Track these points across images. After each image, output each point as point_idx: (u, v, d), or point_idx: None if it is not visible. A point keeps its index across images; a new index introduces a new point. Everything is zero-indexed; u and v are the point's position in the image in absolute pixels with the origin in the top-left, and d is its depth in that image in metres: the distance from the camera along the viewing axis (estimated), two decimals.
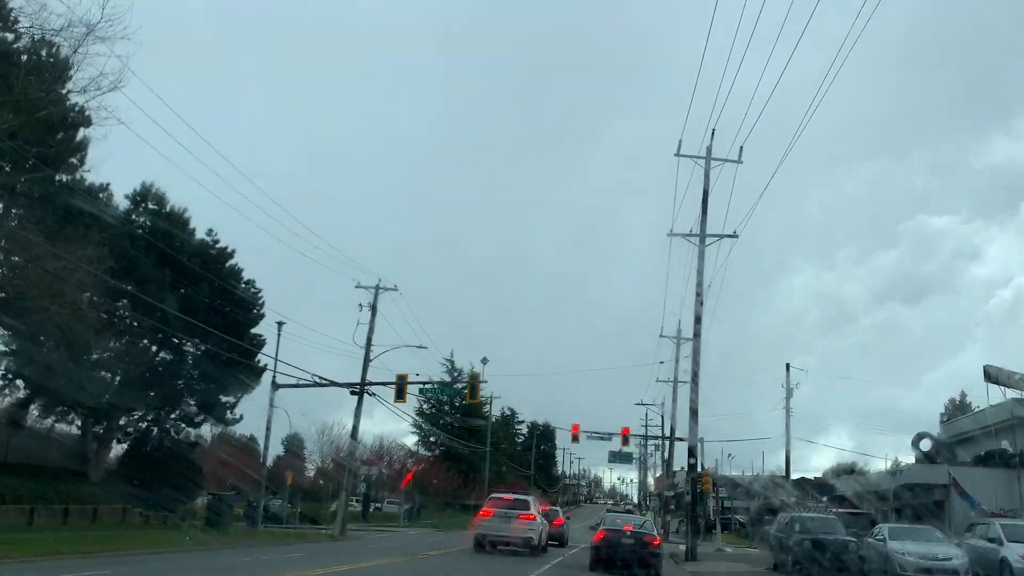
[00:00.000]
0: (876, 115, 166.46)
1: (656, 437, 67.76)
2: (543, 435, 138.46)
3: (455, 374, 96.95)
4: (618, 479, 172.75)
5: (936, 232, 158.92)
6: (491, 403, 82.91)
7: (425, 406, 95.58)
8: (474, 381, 35.58)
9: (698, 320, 30.44)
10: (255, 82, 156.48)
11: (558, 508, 38.60)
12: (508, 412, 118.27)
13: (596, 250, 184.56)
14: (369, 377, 36.90)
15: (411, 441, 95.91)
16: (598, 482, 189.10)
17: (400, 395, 35.92)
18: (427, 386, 34.80)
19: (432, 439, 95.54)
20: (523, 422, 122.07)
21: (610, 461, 77.63)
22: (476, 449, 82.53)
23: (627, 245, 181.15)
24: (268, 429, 36.72)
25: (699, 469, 33.17)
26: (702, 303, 30.23)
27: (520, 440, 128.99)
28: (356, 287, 37.44)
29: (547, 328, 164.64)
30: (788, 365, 51.11)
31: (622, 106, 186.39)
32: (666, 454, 69.95)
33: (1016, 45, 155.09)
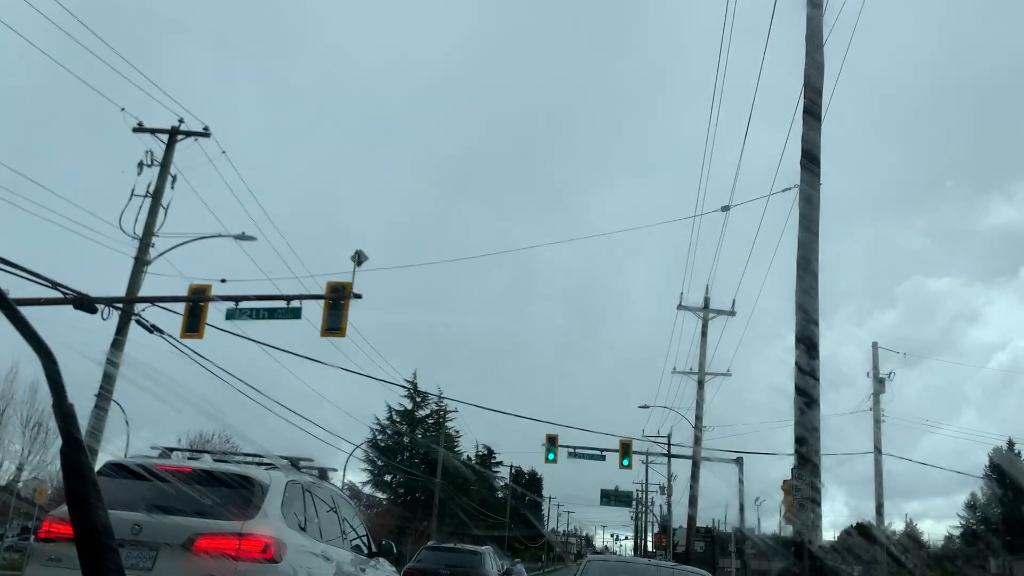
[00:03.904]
0: (876, 177, 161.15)
1: (661, 455, 48.92)
2: (528, 483, 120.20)
3: (417, 399, 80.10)
4: (611, 536, 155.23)
5: (935, 294, 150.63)
6: (444, 412, 65.95)
7: (379, 437, 78.35)
8: (337, 296, 18.02)
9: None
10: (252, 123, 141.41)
11: (486, 549, 20.25)
12: (484, 451, 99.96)
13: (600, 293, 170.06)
14: (149, 291, 19.56)
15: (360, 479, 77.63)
16: (589, 540, 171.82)
17: (193, 325, 18.42)
18: (241, 306, 16.60)
19: (388, 477, 78.29)
20: (500, 462, 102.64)
21: (602, 502, 59.06)
22: (431, 485, 64.88)
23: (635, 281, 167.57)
24: None
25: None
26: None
27: (500, 485, 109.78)
28: (135, 130, 20.22)
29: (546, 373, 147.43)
30: (875, 344, 33.65)
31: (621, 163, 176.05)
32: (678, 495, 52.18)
33: (1016, 109, 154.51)
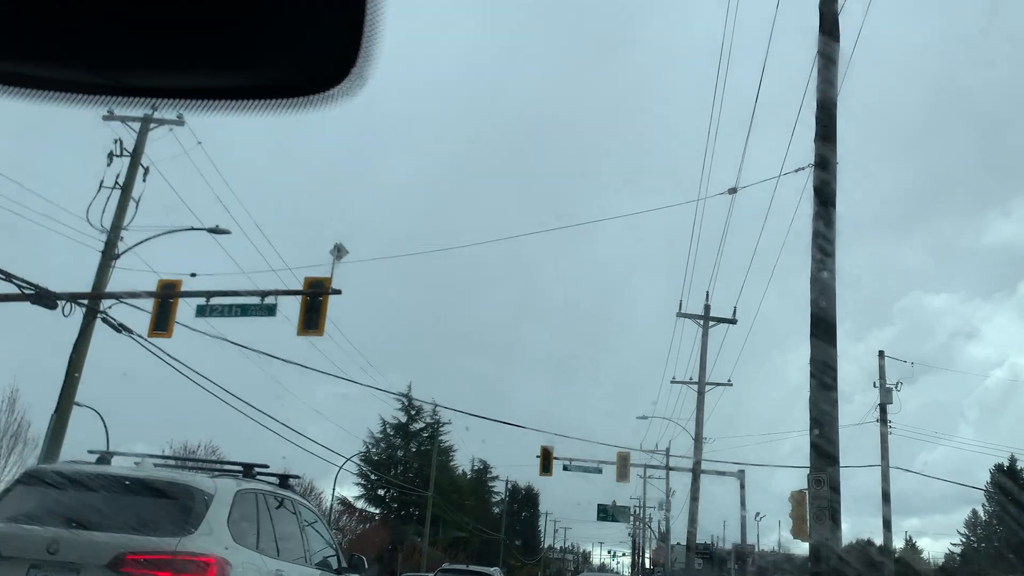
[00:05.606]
0: (875, 193, 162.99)
1: (659, 467, 47.52)
2: (525, 499, 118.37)
3: (412, 412, 78.72)
4: (608, 552, 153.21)
5: (934, 310, 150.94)
6: (439, 425, 64.78)
7: (373, 450, 76.88)
8: (315, 292, 16.90)
9: None
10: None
11: (495, 571, 19.51)
12: (479, 466, 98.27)
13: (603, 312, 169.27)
14: (119, 288, 18.41)
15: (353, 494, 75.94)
16: (586, 557, 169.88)
17: (162, 323, 17.28)
18: (212, 302, 15.41)
19: (381, 492, 76.78)
20: (496, 477, 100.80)
21: (599, 518, 57.63)
22: (425, 499, 63.45)
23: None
24: None
25: None
26: None
27: (496, 500, 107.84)
28: (105, 118, 19.15)
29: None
30: (882, 353, 32.50)
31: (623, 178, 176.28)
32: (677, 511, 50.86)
33: (1015, 127, 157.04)
